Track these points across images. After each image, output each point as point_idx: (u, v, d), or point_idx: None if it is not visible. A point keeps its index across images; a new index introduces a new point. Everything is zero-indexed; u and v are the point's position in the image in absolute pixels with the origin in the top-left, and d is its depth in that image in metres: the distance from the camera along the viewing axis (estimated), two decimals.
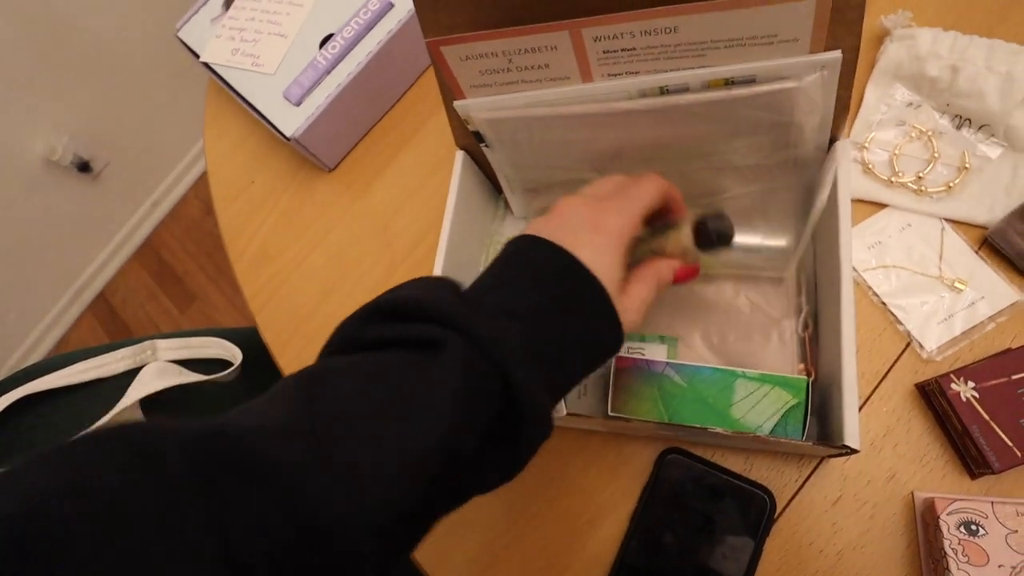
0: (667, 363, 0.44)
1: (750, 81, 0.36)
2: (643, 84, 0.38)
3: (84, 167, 1.50)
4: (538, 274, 0.32)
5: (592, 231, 0.33)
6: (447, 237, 0.48)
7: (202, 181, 1.76)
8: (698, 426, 0.41)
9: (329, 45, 0.62)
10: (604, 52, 0.37)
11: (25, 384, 0.51)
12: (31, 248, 1.52)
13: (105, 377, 0.55)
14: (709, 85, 0.37)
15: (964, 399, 0.42)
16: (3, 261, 1.48)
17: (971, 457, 0.42)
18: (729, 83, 0.37)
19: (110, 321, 1.69)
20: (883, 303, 0.47)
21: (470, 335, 0.28)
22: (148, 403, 0.55)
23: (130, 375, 0.54)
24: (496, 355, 0.27)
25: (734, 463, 0.46)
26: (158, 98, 1.58)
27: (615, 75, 0.38)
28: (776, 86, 0.35)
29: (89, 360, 0.55)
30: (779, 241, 0.45)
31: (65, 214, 1.55)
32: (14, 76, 1.32)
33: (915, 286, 0.47)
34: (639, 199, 0.36)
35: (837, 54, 0.34)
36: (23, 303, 1.59)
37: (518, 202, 0.54)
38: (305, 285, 0.61)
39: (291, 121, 0.61)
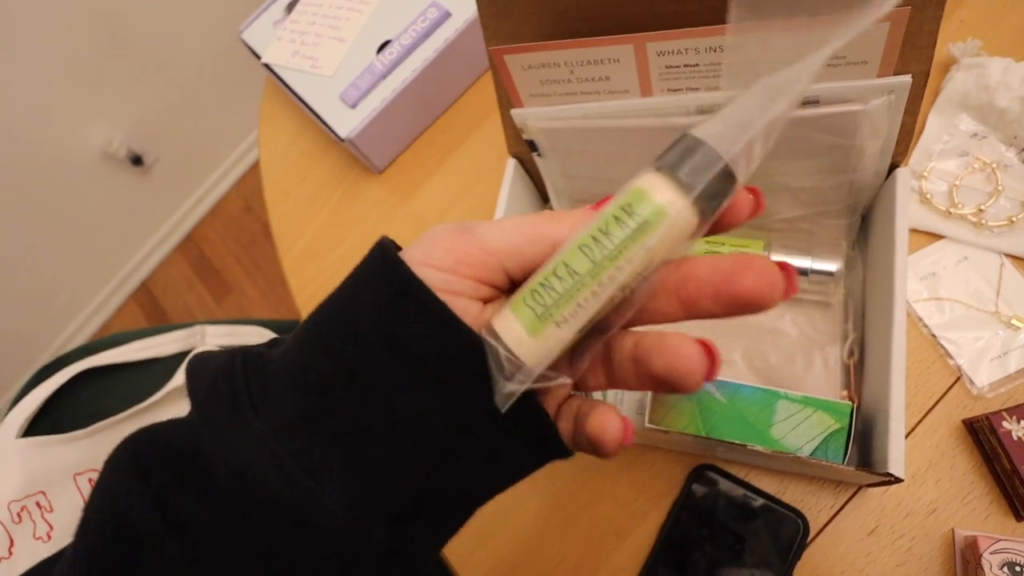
0: None
1: (813, 102, 0.36)
2: (703, 100, 0.38)
3: (137, 161, 1.55)
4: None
5: (452, 229, 0.23)
6: None
7: (244, 180, 1.81)
8: (738, 442, 0.40)
9: (387, 51, 0.64)
10: (667, 67, 0.37)
11: (86, 358, 0.53)
12: (82, 235, 1.58)
13: (158, 357, 0.57)
14: None
15: (1015, 438, 0.41)
16: (56, 246, 1.54)
17: (1018, 498, 0.41)
18: None
19: (151, 309, 1.74)
20: (933, 335, 0.46)
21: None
22: None
23: (180, 357, 0.56)
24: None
25: (768, 484, 0.45)
26: (210, 99, 1.63)
27: (675, 90, 0.39)
28: (841, 108, 0.35)
29: (143, 340, 0.57)
30: (828, 266, 0.45)
31: (116, 204, 1.61)
32: (78, 71, 1.37)
33: (969, 321, 0.46)
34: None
35: (907, 78, 0.33)
36: (72, 287, 1.64)
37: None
38: None
39: (346, 122, 0.62)
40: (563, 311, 0.20)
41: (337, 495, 0.20)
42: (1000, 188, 0.48)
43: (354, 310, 0.21)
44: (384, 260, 0.21)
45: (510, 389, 0.20)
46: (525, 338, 0.20)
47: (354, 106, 0.63)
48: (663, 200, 0.19)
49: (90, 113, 1.44)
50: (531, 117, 0.44)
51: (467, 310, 0.21)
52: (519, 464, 0.24)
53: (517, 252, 0.22)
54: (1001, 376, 0.44)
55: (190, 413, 0.22)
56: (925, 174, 0.50)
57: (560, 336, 0.20)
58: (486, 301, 0.22)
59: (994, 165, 0.48)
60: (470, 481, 0.22)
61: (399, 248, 0.23)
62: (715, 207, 0.20)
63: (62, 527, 0.48)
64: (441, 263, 0.21)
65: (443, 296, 0.20)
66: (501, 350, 0.20)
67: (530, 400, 0.21)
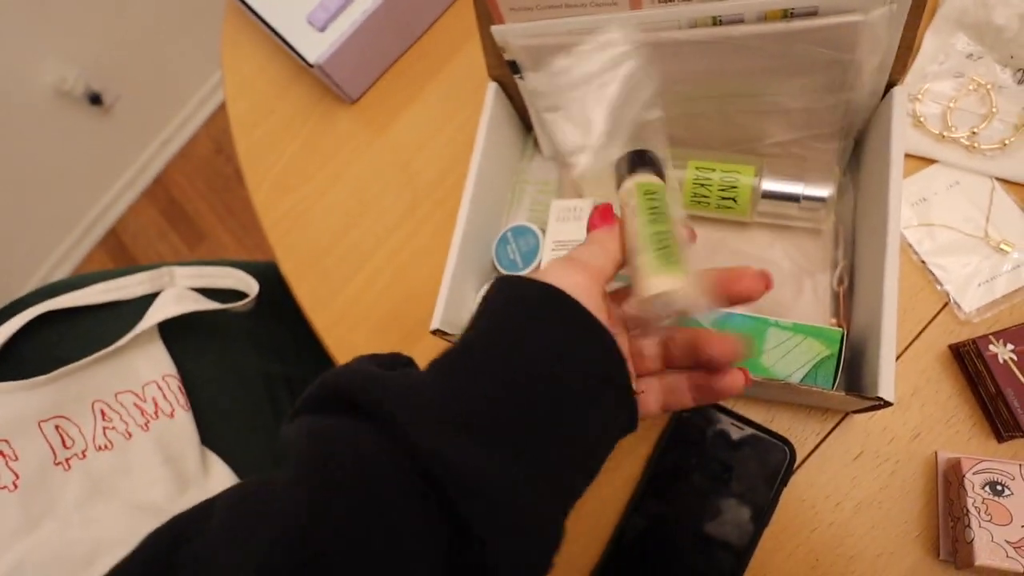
0: None
1: (811, 13, 0.34)
2: (695, 13, 0.36)
3: (95, 99, 1.47)
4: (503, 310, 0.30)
5: (564, 262, 0.31)
6: (476, 173, 0.46)
7: (213, 120, 1.73)
8: None
9: None
10: None
11: (47, 301, 0.50)
12: (42, 180, 1.51)
13: (124, 300, 0.54)
14: (766, 17, 0.35)
15: (1001, 361, 0.41)
16: (14, 192, 1.47)
17: (1002, 420, 0.42)
18: (788, 15, 0.35)
19: (121, 257, 1.69)
20: (923, 262, 0.46)
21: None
22: (164, 328, 0.55)
23: (148, 300, 0.54)
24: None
25: (755, 414, 0.45)
26: (172, 33, 1.54)
27: (666, 2, 0.36)
28: (840, 19, 0.33)
29: (108, 282, 0.54)
30: (820, 192, 0.44)
31: (76, 147, 1.53)
32: (24, 1, 1.28)
33: (958, 246, 0.45)
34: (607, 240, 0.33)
35: None
36: (35, 235, 1.58)
37: (549, 141, 0.53)
38: (325, 219, 0.60)
39: (315, 47, 0.59)
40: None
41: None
42: (994, 110, 0.46)
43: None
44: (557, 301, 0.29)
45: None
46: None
47: (323, 29, 0.59)
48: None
49: (39, 46, 1.35)
50: (513, 34, 0.41)
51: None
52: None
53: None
54: (988, 301, 0.44)
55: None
56: (919, 96, 0.48)
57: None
58: None
59: (989, 86, 0.47)
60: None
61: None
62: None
63: (28, 476, 0.46)
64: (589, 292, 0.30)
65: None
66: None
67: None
